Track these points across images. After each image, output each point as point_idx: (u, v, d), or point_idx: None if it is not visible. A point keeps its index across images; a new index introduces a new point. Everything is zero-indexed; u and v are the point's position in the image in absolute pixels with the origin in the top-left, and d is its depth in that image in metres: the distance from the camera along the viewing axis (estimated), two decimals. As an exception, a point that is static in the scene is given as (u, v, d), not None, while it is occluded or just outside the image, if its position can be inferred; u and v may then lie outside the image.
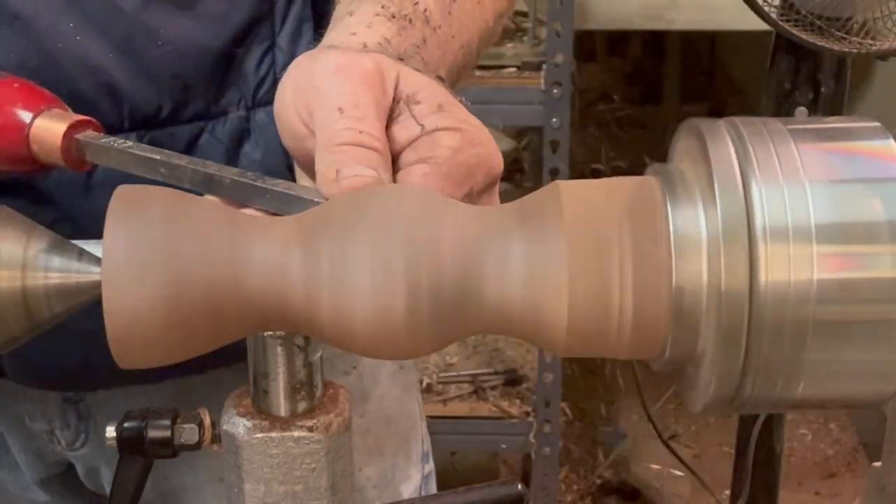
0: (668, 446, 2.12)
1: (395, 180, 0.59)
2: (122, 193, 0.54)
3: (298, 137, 0.61)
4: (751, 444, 1.90)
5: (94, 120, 0.69)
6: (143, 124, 0.80)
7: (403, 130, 0.60)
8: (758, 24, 1.63)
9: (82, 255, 0.55)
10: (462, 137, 0.60)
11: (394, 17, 0.68)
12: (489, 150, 0.61)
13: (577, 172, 2.44)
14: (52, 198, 0.80)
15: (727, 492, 2.19)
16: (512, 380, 2.24)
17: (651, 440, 2.37)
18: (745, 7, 1.60)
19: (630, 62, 4.30)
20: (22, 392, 0.91)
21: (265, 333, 0.58)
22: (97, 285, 0.52)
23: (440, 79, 0.68)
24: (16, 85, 0.69)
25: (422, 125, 0.60)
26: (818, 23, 1.59)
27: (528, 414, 2.17)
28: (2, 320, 0.54)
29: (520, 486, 0.69)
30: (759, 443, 1.90)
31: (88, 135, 0.68)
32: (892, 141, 0.52)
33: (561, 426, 2.21)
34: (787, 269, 0.49)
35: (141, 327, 0.52)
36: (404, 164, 0.60)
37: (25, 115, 0.68)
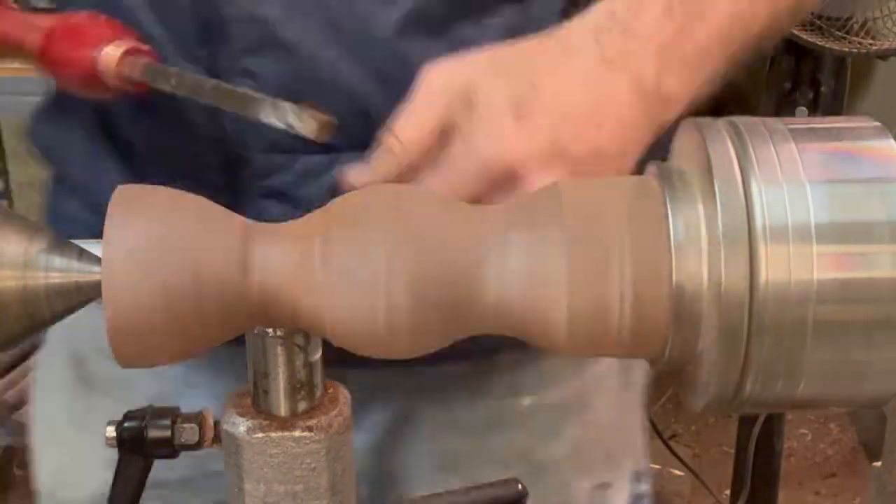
0: (668, 446, 2.12)
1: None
2: (121, 193, 0.54)
3: None
4: (751, 444, 1.90)
5: (146, 48, 0.78)
6: None
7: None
8: (758, 24, 1.62)
9: (82, 254, 0.55)
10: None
11: None
12: None
13: (578, 172, 2.43)
14: None
15: (727, 492, 2.19)
16: (512, 380, 2.23)
17: (651, 440, 2.37)
18: (746, 7, 1.59)
19: (630, 62, 4.28)
20: None
21: (265, 333, 0.58)
22: (97, 285, 0.52)
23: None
24: (102, 18, 0.80)
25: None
26: (818, 23, 1.59)
27: (528, 414, 2.17)
28: (2, 320, 0.54)
29: (520, 486, 0.69)
30: (759, 443, 1.91)
31: (141, 59, 0.78)
32: (892, 141, 0.52)
33: (561, 426, 2.21)
34: (787, 268, 0.49)
35: (141, 327, 0.52)
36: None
37: (98, 45, 0.78)
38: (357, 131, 0.79)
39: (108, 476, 0.63)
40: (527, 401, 0.93)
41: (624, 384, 1.01)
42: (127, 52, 0.78)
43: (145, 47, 0.79)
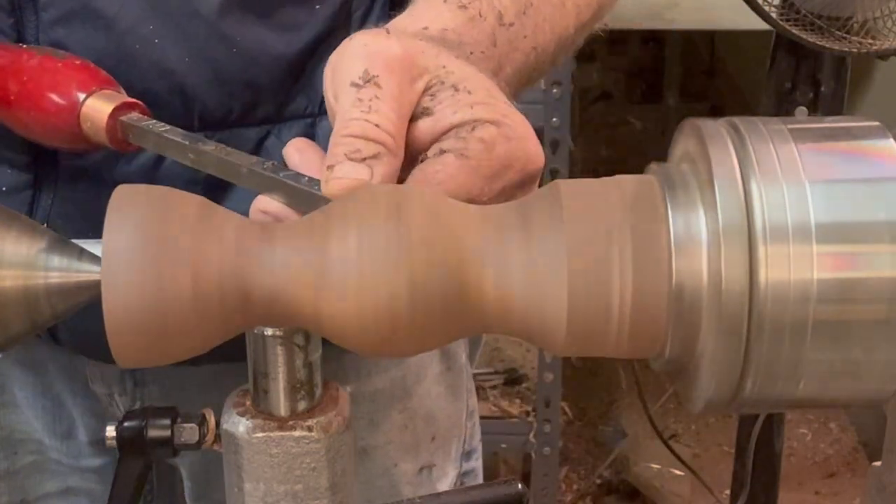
0: (668, 446, 2.12)
1: (421, 172, 0.59)
2: (121, 192, 0.54)
3: (333, 119, 0.61)
4: (751, 444, 1.90)
5: (140, 103, 0.71)
6: (212, 125, 0.81)
7: (435, 122, 0.60)
8: (758, 24, 1.63)
9: (82, 254, 0.55)
10: (498, 131, 0.59)
11: (464, 7, 0.68)
12: (526, 146, 0.61)
13: (577, 172, 2.44)
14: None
15: (727, 492, 2.20)
16: (512, 379, 2.24)
17: (651, 440, 2.37)
18: (745, 7, 1.60)
19: (630, 61, 4.29)
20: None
21: (265, 333, 0.58)
22: (97, 284, 0.52)
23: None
24: (77, 62, 0.72)
25: (455, 117, 0.59)
26: (818, 22, 1.59)
27: (528, 414, 2.18)
28: (2, 320, 0.54)
29: (520, 486, 0.69)
30: (759, 443, 1.90)
31: (132, 117, 0.70)
32: (892, 141, 0.52)
33: (561, 426, 2.21)
34: (787, 268, 0.49)
35: (140, 326, 0.52)
36: (431, 155, 0.59)
37: (79, 95, 0.71)
38: (173, 110, 0.78)
39: None
40: (348, 389, 0.94)
41: (447, 369, 1.02)
42: (118, 108, 0.70)
43: (135, 101, 0.71)
